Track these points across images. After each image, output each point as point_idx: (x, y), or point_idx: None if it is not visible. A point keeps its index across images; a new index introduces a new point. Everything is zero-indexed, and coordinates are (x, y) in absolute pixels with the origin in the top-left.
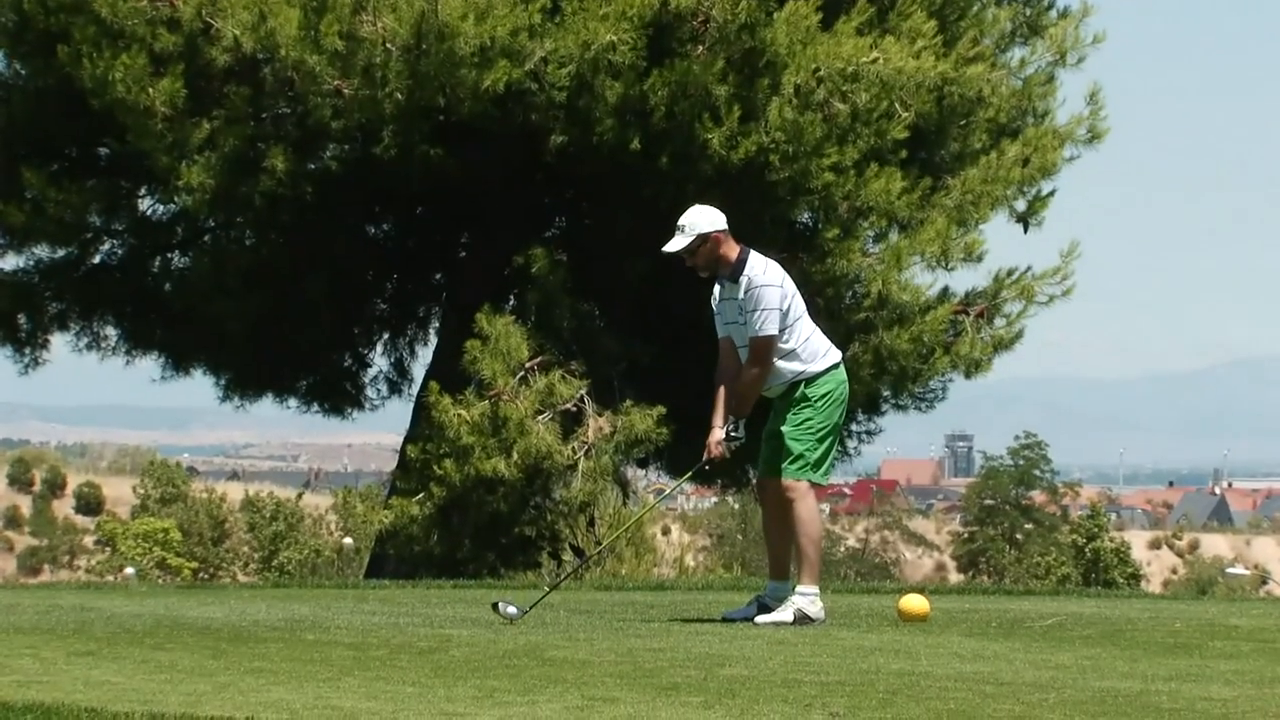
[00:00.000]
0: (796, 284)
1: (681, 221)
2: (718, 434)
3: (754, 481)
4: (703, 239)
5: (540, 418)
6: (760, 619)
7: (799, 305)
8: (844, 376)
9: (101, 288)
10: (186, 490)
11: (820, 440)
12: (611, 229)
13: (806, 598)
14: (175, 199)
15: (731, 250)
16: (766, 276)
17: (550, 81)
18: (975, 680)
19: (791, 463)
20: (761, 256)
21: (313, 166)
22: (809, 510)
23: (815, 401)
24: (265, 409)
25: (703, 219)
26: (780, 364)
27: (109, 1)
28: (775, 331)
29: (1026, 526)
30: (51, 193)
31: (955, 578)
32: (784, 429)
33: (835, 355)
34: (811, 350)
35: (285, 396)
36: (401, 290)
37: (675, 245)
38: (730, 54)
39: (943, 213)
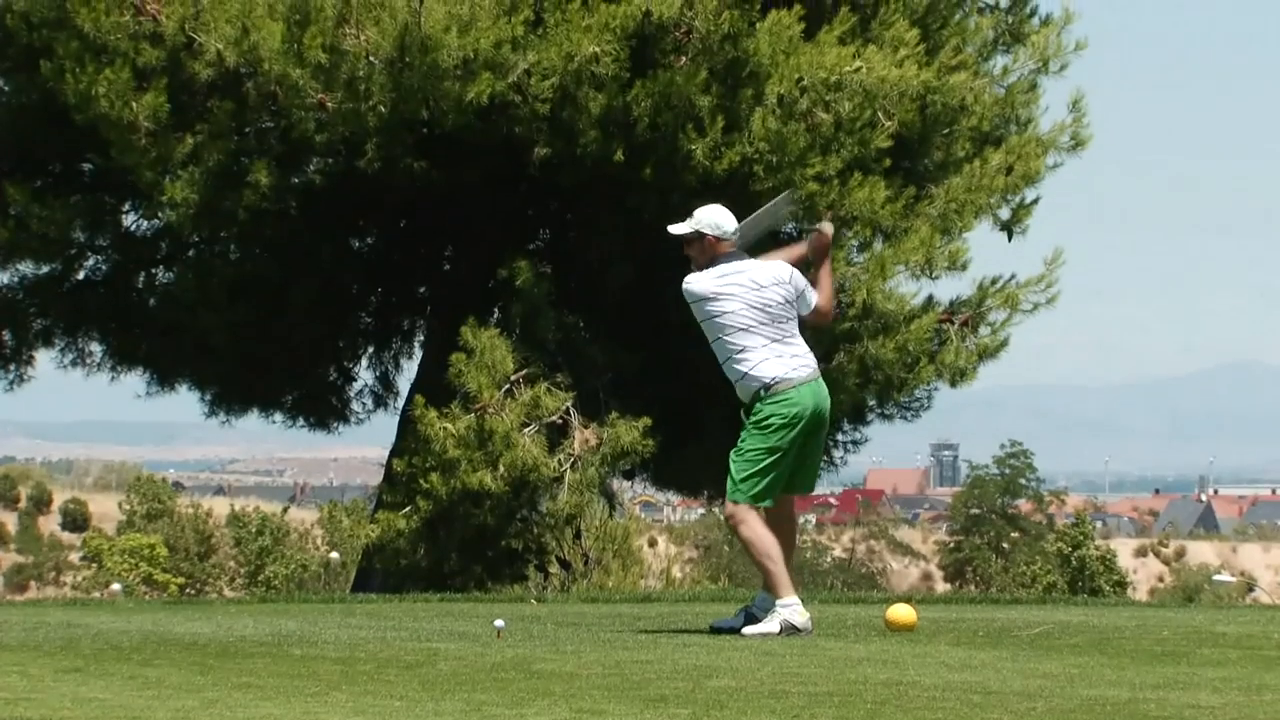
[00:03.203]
0: (784, 296)
1: (695, 213)
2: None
3: None
4: (698, 235)
5: (526, 430)
6: (747, 630)
7: (738, 320)
8: (796, 402)
9: (86, 304)
10: (172, 506)
11: (751, 463)
12: (596, 240)
13: (789, 608)
14: (159, 214)
15: (704, 260)
16: (688, 282)
17: (533, 93)
18: (963, 689)
19: (728, 483)
20: (710, 273)
21: (296, 180)
22: (749, 531)
23: (749, 425)
24: (251, 424)
25: (706, 217)
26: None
27: (92, 16)
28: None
29: (1012, 535)
30: (35, 209)
31: (942, 587)
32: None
33: (784, 380)
34: (743, 371)
35: (271, 411)
36: (386, 303)
37: (675, 228)
38: (713, 64)
39: (926, 221)
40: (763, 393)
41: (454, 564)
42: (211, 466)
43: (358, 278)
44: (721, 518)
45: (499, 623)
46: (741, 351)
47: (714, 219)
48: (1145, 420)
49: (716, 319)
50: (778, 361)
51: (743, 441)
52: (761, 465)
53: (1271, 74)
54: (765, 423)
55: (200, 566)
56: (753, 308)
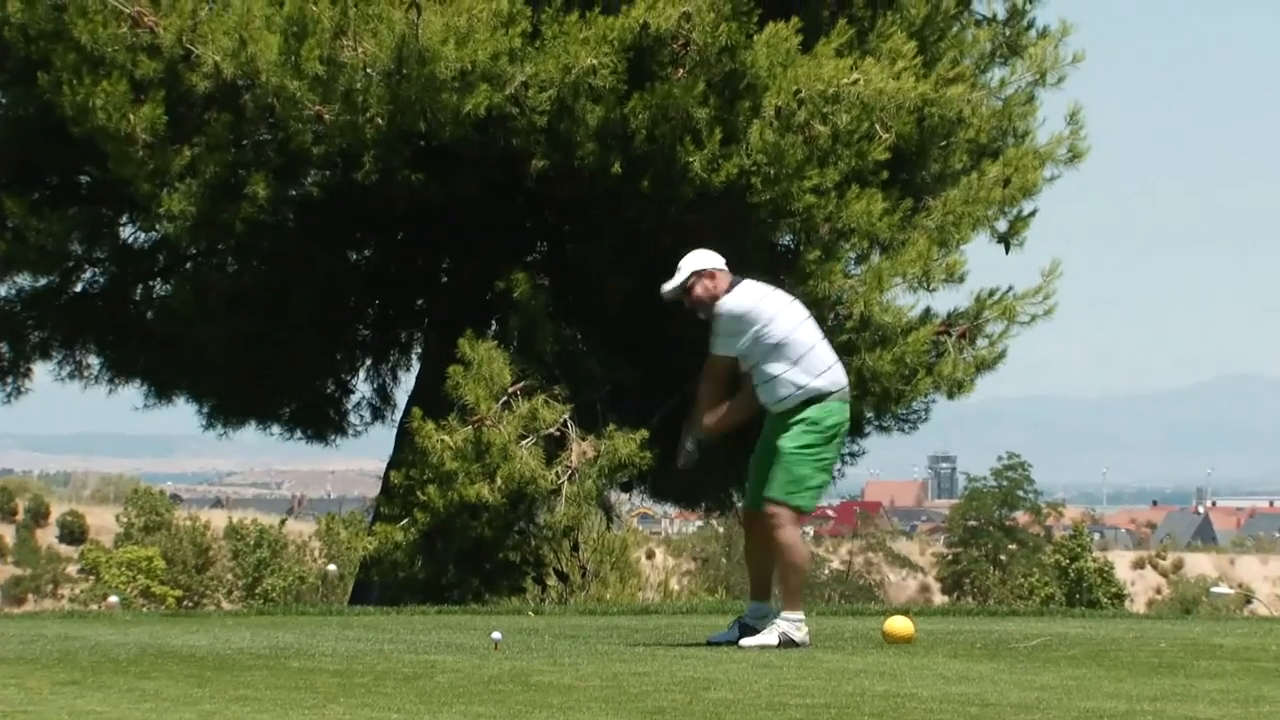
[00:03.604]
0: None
1: (680, 264)
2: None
3: (738, 507)
4: (697, 275)
5: (523, 443)
6: (745, 642)
7: (778, 330)
8: (849, 413)
9: (83, 316)
10: (170, 518)
11: (823, 471)
12: (593, 252)
13: (791, 622)
14: (156, 226)
15: (723, 287)
16: (728, 303)
17: (531, 105)
18: (961, 702)
19: (787, 483)
20: (744, 289)
21: (294, 192)
22: (793, 536)
23: (821, 430)
24: (248, 436)
25: (700, 257)
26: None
27: (89, 29)
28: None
29: (1010, 547)
30: (33, 221)
31: (939, 599)
32: (785, 447)
33: (846, 387)
34: (813, 376)
35: (268, 423)
36: (384, 316)
37: (669, 285)
38: (711, 77)
39: (924, 234)
40: (840, 393)
41: (451, 576)
42: (209, 479)
43: (355, 290)
44: (720, 530)
45: (496, 634)
46: (811, 351)
47: (706, 256)
48: (1143, 432)
49: (770, 326)
50: (840, 366)
51: (812, 448)
52: (827, 477)
53: (1272, 86)
54: (839, 430)
55: (198, 579)
56: (802, 309)
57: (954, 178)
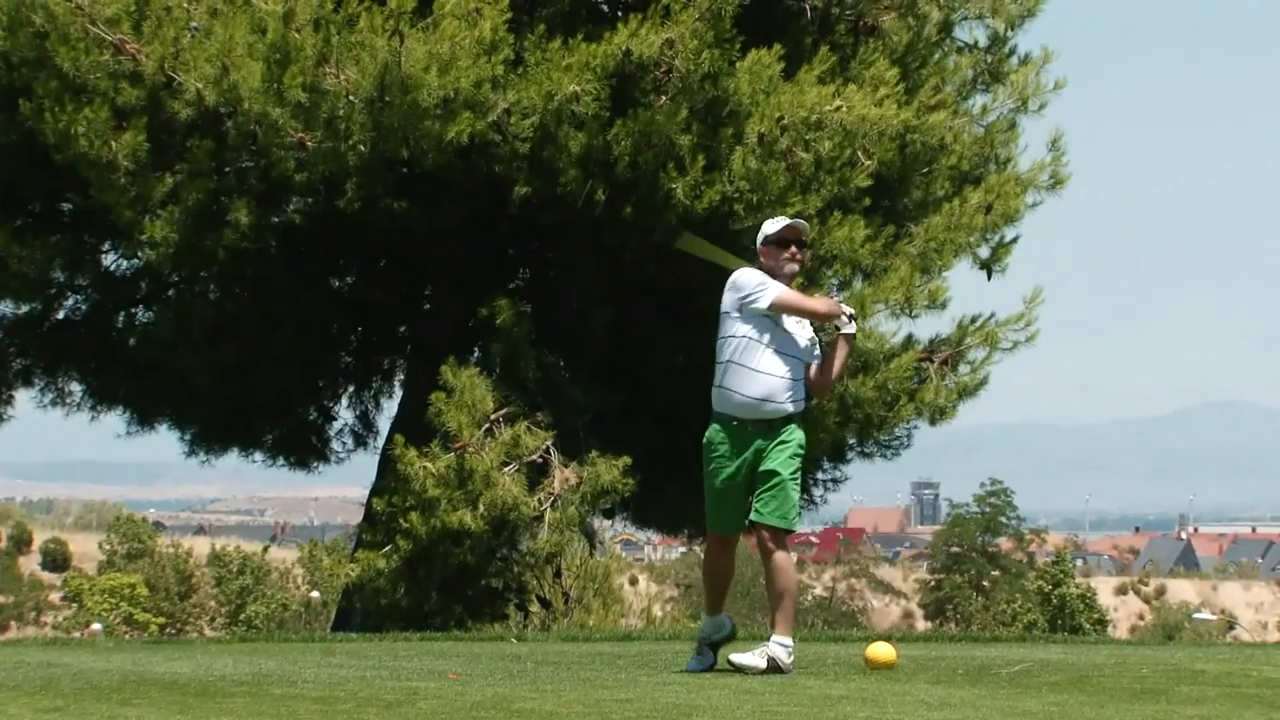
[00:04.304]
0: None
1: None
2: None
3: (711, 532)
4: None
5: (506, 469)
6: (735, 658)
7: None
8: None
9: (66, 343)
10: (153, 545)
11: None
12: (576, 279)
13: (785, 649)
14: (139, 253)
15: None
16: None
17: (514, 133)
18: None
19: (792, 509)
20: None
21: (276, 219)
22: (792, 560)
23: (799, 449)
24: (231, 463)
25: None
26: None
27: (71, 56)
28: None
29: (993, 573)
30: (15, 249)
31: (922, 625)
32: (785, 473)
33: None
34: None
35: (251, 450)
36: (366, 342)
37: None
38: (693, 104)
39: (906, 260)
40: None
41: (434, 603)
42: (192, 506)
43: (338, 317)
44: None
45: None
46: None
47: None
48: (1127, 459)
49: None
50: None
51: (799, 470)
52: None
53: (1255, 113)
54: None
55: (181, 606)
56: None
57: (936, 204)
